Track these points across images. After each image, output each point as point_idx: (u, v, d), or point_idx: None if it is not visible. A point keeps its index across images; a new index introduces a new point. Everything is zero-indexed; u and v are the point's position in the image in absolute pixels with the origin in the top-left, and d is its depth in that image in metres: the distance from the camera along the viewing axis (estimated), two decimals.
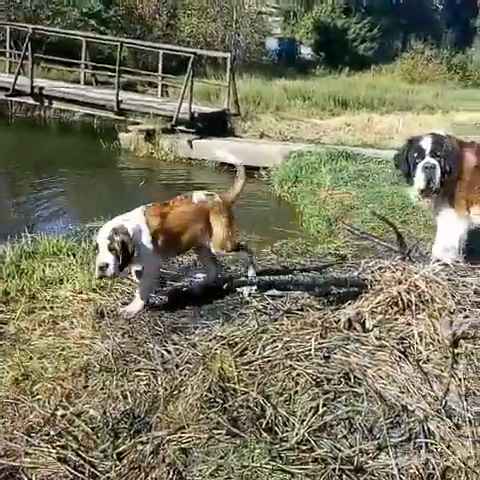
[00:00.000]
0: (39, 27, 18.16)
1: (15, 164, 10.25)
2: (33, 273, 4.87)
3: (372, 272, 3.91)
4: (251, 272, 4.51)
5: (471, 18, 42.26)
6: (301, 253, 5.88)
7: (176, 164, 11.79)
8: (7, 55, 16.05)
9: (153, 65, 21.56)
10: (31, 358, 3.58)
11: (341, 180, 8.45)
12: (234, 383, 3.19)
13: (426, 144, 4.48)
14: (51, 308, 4.28)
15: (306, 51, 34.27)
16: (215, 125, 12.99)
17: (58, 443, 2.90)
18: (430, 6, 42.63)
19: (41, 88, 13.33)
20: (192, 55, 12.97)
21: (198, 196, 4.35)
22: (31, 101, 13.74)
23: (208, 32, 27.25)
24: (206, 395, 3.10)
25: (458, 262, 4.43)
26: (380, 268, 3.89)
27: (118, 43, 13.95)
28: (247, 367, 3.27)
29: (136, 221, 4.14)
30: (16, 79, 13.04)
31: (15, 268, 4.94)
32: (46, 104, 13.85)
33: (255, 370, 3.23)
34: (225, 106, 13.60)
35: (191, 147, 11.78)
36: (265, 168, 10.52)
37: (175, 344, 3.67)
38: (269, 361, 3.25)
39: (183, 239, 4.31)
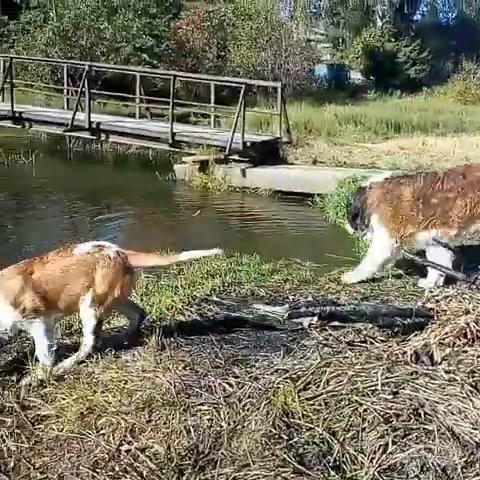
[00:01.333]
0: (95, 64, 18.81)
1: (73, 196, 10.54)
2: None
3: (437, 301, 3.80)
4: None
5: None
6: (359, 281, 5.78)
7: (230, 193, 11.89)
8: (65, 92, 16.63)
9: (205, 96, 21.99)
10: (95, 392, 3.60)
11: None
12: (298, 418, 3.12)
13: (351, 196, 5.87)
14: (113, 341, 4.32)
15: (356, 76, 34.30)
16: (267, 153, 13.05)
17: (123, 479, 2.90)
18: None
19: (98, 123, 13.73)
20: (243, 85, 13.13)
21: (81, 249, 3.94)
22: (88, 136, 14.15)
23: (258, 61, 27.63)
24: (270, 431, 3.05)
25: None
26: (446, 297, 3.78)
27: (171, 77, 14.25)
28: (311, 402, 3.20)
29: None
30: (74, 115, 13.47)
31: None
32: (103, 138, 14.24)
33: (320, 405, 3.16)
34: (277, 134, 13.67)
35: (244, 176, 11.86)
36: (319, 194, 10.47)
37: (236, 377, 3.64)
38: (334, 396, 3.17)
39: (58, 299, 3.86)
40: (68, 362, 3.94)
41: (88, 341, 4.00)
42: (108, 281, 3.87)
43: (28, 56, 23.41)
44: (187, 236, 8.28)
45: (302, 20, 29.57)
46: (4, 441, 3.23)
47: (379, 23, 36.22)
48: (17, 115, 14.40)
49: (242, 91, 12.84)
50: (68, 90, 16.50)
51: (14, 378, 3.86)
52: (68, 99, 16.31)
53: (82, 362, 3.95)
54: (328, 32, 36.58)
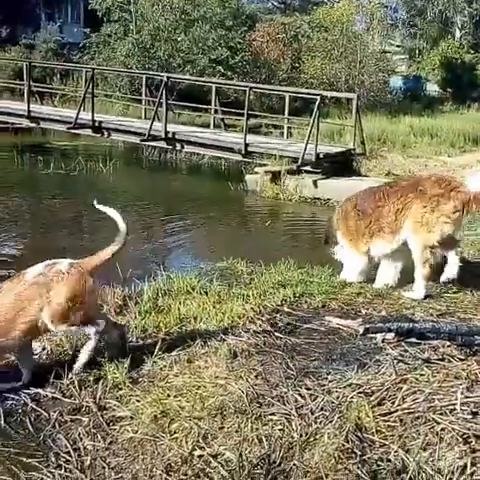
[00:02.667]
0: (173, 75, 19.26)
1: (148, 204, 10.79)
2: (169, 310, 5.04)
3: None
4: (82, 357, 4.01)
5: None
6: (436, 297, 5.63)
7: (301, 204, 11.86)
8: (143, 102, 17.11)
9: (277, 107, 22.08)
10: (168, 396, 3.67)
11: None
12: (372, 434, 3.07)
13: None
14: (186, 346, 4.39)
15: (432, 88, 33.56)
16: (340, 165, 12.97)
17: None
18: None
19: (174, 133, 14.03)
20: (318, 97, 13.11)
21: (33, 271, 3.88)
22: (164, 145, 14.48)
23: (332, 73, 27.51)
24: (343, 445, 3.01)
25: None
26: None
27: (247, 88, 14.41)
28: (386, 418, 3.15)
29: None
30: (151, 125, 13.82)
31: (152, 305, 5.14)
32: (178, 148, 14.54)
33: (395, 422, 3.09)
34: (350, 145, 13.55)
35: (316, 187, 11.82)
36: None
37: (308, 389, 3.62)
38: (410, 413, 3.10)
39: (14, 328, 3.75)
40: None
41: (81, 357, 4.03)
42: (66, 296, 3.80)
43: (108, 67, 24.23)
44: (258, 245, 8.32)
45: (378, 31, 29.20)
46: (81, 439, 3.34)
47: (458, 34, 35.36)
48: (97, 124, 14.91)
49: (317, 103, 12.83)
50: (146, 100, 16.95)
51: (91, 378, 3.97)
52: (145, 109, 16.75)
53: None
54: (404, 43, 36.01)
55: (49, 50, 28.35)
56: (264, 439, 3.17)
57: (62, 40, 29.86)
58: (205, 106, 16.83)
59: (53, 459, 3.17)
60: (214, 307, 5.15)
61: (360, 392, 3.36)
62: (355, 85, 26.81)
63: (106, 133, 15.17)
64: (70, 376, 3.95)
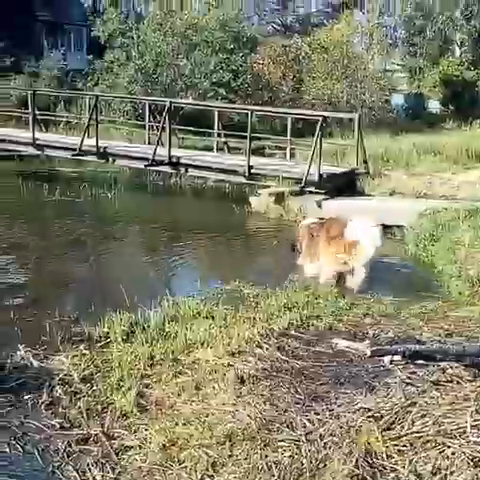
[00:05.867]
0: (176, 100, 19.41)
1: (153, 228, 10.80)
2: (176, 336, 5.04)
3: None
4: None
5: None
6: (443, 317, 5.62)
7: None
8: (146, 127, 17.22)
9: (280, 128, 22.19)
10: (176, 424, 3.66)
11: None
12: (382, 459, 3.05)
13: None
14: (194, 373, 4.38)
15: (434, 105, 33.67)
16: (344, 185, 12.97)
17: None
18: None
19: (178, 157, 14.09)
20: (320, 118, 13.17)
21: None
22: (169, 170, 14.53)
23: (333, 93, 27.68)
24: (353, 471, 2.99)
25: None
26: None
27: (249, 111, 14.50)
28: (396, 442, 3.13)
29: None
30: (155, 150, 13.90)
31: (159, 331, 5.14)
32: (182, 172, 14.58)
33: (405, 446, 3.08)
34: (353, 165, 13.57)
35: (320, 207, 11.81)
36: (398, 226, 10.28)
37: (317, 414, 3.60)
38: (420, 437, 3.09)
39: None
40: None
41: None
42: None
43: (112, 93, 24.45)
44: (263, 267, 8.32)
45: (378, 51, 29.42)
46: (90, 470, 3.33)
47: (457, 52, 35.55)
48: (102, 150, 14.99)
49: (319, 124, 12.87)
50: (149, 125, 17.07)
51: (99, 407, 3.97)
52: (149, 134, 16.85)
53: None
54: (405, 62, 36.23)
55: (53, 77, 28.64)
56: (273, 466, 3.15)
57: (66, 67, 30.17)
58: (208, 130, 16.92)
59: None
60: (221, 331, 5.15)
61: (369, 416, 3.34)
62: (357, 104, 26.93)
63: (111, 159, 15.24)
64: (78, 405, 3.95)
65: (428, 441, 3.04)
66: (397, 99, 32.13)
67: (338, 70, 27.68)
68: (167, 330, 5.19)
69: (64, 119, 22.43)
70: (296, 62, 29.64)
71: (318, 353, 4.72)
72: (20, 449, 3.56)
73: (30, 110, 17.17)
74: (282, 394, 3.97)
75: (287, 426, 3.51)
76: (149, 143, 16.10)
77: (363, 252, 6.87)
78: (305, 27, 34.53)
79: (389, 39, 34.16)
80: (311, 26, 32.60)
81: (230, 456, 3.28)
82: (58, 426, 3.77)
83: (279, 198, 12.29)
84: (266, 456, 3.23)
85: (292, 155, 15.68)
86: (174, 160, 14.04)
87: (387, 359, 4.20)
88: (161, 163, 14.14)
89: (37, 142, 16.00)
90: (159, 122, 15.47)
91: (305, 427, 3.46)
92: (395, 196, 12.79)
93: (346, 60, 27.40)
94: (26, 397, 4.10)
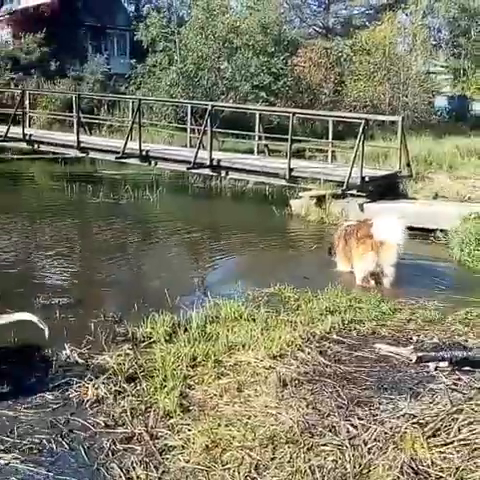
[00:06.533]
0: (218, 104, 19.54)
1: (194, 230, 10.88)
2: (217, 338, 5.07)
3: None
4: None
5: None
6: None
7: None
8: (188, 130, 17.37)
9: (321, 131, 22.10)
10: (219, 425, 3.67)
11: None
12: (427, 466, 3.01)
13: None
14: (235, 374, 4.39)
15: (478, 107, 33.02)
16: (386, 188, 12.83)
17: None
18: None
19: (219, 160, 14.16)
20: (363, 121, 13.07)
21: None
22: (210, 172, 14.62)
23: (375, 95, 27.43)
24: (398, 477, 2.96)
25: None
26: None
27: (290, 114, 14.48)
28: (441, 449, 3.08)
29: None
30: (197, 153, 14.01)
31: (201, 332, 5.18)
32: (223, 175, 14.66)
33: (451, 454, 3.03)
34: (396, 168, 13.42)
35: (362, 211, 11.70)
36: (442, 230, 10.12)
37: (361, 419, 3.57)
38: (466, 445, 3.03)
39: None
40: None
41: None
42: None
43: (153, 97, 24.76)
44: (304, 271, 8.28)
45: (421, 52, 28.99)
46: (134, 469, 3.36)
47: None
48: (144, 153, 15.19)
49: (361, 127, 12.77)
50: (191, 129, 17.22)
51: (143, 407, 4.02)
52: (190, 137, 17.00)
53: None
54: (449, 63, 35.62)
55: (96, 81, 29.19)
56: (317, 470, 3.14)
57: (109, 71, 30.72)
58: (248, 133, 16.97)
59: None
60: (262, 334, 5.16)
61: (414, 423, 3.30)
62: (399, 107, 26.63)
63: (153, 162, 15.42)
64: (122, 404, 4.01)
65: (475, 449, 2.98)
66: (440, 101, 31.64)
67: (380, 72, 27.42)
68: (209, 331, 5.21)
69: (107, 122, 22.85)
70: (337, 64, 29.50)
71: (361, 358, 4.68)
72: (66, 446, 3.62)
73: (74, 113, 17.53)
74: (325, 398, 3.95)
75: (330, 430, 3.50)
76: (190, 146, 16.25)
77: (389, 251, 7.06)
78: (347, 29, 34.27)
79: (433, 40, 33.62)
80: (353, 28, 32.31)
81: (273, 459, 3.28)
82: (103, 424, 3.82)
83: (320, 201, 12.23)
84: (309, 460, 3.22)
85: (333, 158, 15.61)
86: (215, 163, 14.12)
87: (432, 365, 4.15)
88: (202, 166, 14.23)
89: (81, 145, 16.30)
90: (200, 125, 15.59)
91: (348, 432, 3.43)
92: (438, 199, 12.59)
93: (388, 62, 27.12)
94: (72, 395, 4.17)
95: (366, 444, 3.26)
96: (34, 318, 4.25)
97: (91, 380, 4.29)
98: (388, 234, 7.09)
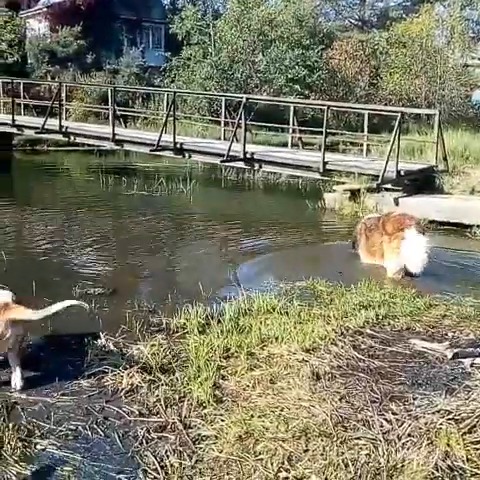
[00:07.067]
0: (252, 96, 19.51)
1: (227, 223, 10.90)
2: (250, 330, 5.08)
3: None
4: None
5: None
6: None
7: None
8: (222, 123, 17.41)
9: (355, 124, 21.91)
10: (252, 416, 3.69)
11: None
12: (463, 462, 2.98)
13: None
14: (268, 366, 4.41)
15: None
16: (422, 182, 12.66)
17: None
18: None
19: (252, 153, 14.15)
20: (399, 114, 12.91)
21: None
22: (243, 165, 14.61)
23: (411, 88, 27.04)
24: (433, 473, 2.94)
25: None
26: None
27: (325, 107, 14.38)
28: (477, 446, 3.05)
29: None
30: (230, 146, 14.01)
31: (234, 325, 5.20)
32: (256, 168, 14.65)
33: None
34: (432, 162, 13.22)
35: (397, 205, 11.56)
36: (478, 226, 9.96)
37: (395, 414, 3.55)
38: None
39: None
40: None
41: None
42: None
43: (188, 90, 24.87)
44: (337, 264, 8.24)
45: (459, 45, 28.44)
46: (168, 457, 3.40)
47: None
48: (178, 146, 15.26)
49: (398, 120, 12.61)
50: (224, 121, 17.25)
51: (176, 396, 4.06)
52: (224, 130, 17.04)
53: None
54: None
55: (132, 74, 29.44)
56: (350, 463, 3.13)
57: (144, 64, 30.95)
58: (282, 125, 16.93)
59: (141, 476, 3.25)
60: (295, 327, 5.16)
61: (449, 419, 3.27)
62: (435, 100, 26.22)
63: (187, 155, 15.48)
64: (156, 393, 4.05)
65: None
66: (478, 95, 31.01)
67: (417, 65, 27.00)
68: (241, 324, 5.23)
69: (142, 115, 23.03)
70: (373, 57, 29.15)
71: (395, 353, 4.65)
72: (101, 433, 3.68)
73: (110, 106, 17.72)
74: (358, 392, 3.93)
75: (364, 424, 3.49)
76: (224, 139, 16.28)
77: (411, 245, 7.07)
78: (383, 21, 33.84)
79: (471, 33, 32.92)
80: (390, 20, 31.86)
81: (306, 451, 3.29)
82: (137, 413, 3.87)
83: (354, 195, 12.14)
84: (342, 453, 3.21)
85: (368, 151, 15.46)
86: (248, 156, 14.11)
87: (467, 362, 4.10)
88: (235, 159, 14.24)
89: (116, 137, 16.46)
90: (234, 118, 15.60)
91: (382, 426, 3.42)
92: (475, 195, 12.38)
93: (425, 55, 26.69)
94: (107, 383, 4.24)
95: (400, 439, 3.24)
96: (73, 302, 4.32)
97: (126, 369, 4.34)
98: (411, 230, 7.13)
